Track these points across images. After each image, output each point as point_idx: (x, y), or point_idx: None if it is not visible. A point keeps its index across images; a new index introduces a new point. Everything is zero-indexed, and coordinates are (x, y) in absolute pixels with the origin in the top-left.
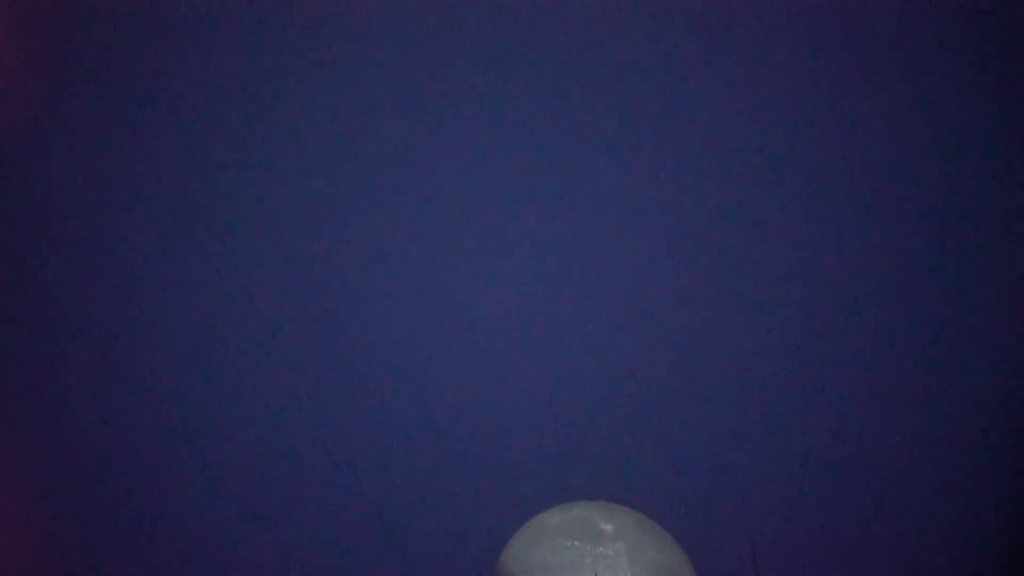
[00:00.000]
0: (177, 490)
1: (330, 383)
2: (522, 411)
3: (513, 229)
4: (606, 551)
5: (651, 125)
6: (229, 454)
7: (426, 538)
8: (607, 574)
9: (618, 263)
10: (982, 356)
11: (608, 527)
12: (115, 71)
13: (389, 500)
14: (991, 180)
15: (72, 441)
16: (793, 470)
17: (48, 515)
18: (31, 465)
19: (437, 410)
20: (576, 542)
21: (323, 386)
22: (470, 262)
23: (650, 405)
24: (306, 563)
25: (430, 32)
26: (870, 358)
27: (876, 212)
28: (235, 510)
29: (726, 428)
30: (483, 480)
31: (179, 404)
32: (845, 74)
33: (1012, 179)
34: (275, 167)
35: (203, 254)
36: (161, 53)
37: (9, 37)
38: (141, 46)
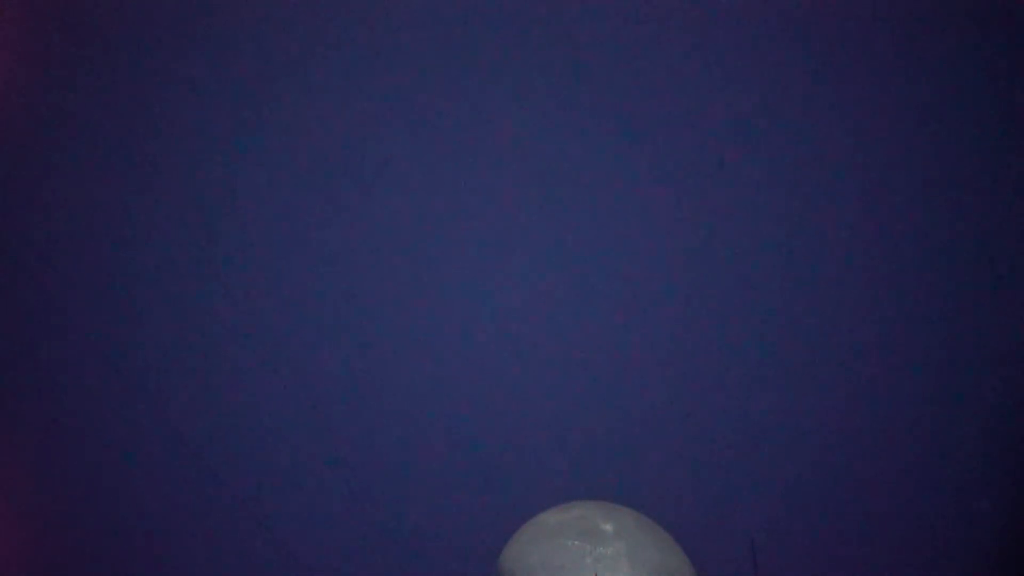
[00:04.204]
0: (177, 491)
1: (330, 384)
2: (522, 411)
3: (515, 231)
4: (606, 551)
5: (651, 127)
6: (229, 455)
7: (426, 538)
8: (607, 574)
9: (618, 264)
10: (982, 356)
11: (608, 527)
12: (114, 71)
13: (389, 500)
14: (991, 180)
15: (69, 443)
16: (793, 470)
17: (47, 516)
18: (30, 466)
19: (437, 411)
20: (576, 542)
21: (323, 387)
22: (471, 263)
23: (650, 405)
24: (306, 563)
25: (428, 34)
26: (871, 358)
27: (878, 213)
28: (235, 510)
29: (726, 428)
30: (483, 480)
31: (179, 405)
32: (845, 76)
33: (1012, 179)
34: (276, 168)
35: (204, 256)
36: (160, 55)
37: (9, 37)
38: (140, 46)
